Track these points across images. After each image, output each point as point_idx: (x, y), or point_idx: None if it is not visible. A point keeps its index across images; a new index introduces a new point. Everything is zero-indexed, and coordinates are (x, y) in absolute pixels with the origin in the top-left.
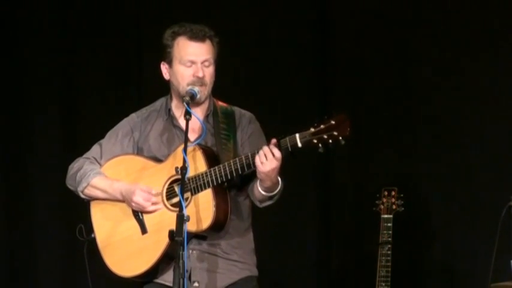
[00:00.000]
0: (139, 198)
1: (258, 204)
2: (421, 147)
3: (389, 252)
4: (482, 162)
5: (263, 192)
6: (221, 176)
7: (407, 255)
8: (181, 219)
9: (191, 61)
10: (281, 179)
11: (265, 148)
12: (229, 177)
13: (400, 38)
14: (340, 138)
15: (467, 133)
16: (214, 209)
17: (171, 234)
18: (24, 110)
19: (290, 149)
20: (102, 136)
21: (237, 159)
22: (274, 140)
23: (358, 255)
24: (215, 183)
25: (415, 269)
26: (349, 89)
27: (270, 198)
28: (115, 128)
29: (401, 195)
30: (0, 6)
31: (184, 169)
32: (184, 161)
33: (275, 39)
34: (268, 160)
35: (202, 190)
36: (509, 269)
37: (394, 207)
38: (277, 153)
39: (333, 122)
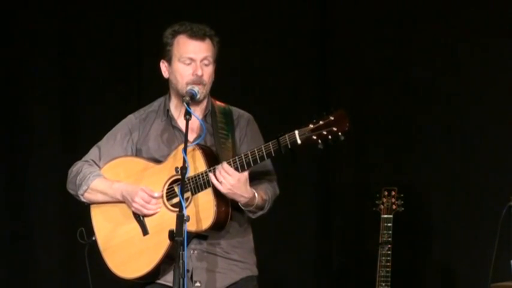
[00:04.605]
0: (140, 201)
1: (250, 215)
2: (421, 147)
3: (389, 252)
4: (482, 162)
5: (244, 208)
6: None
7: (407, 255)
8: (181, 220)
9: (190, 59)
10: (273, 186)
11: (219, 168)
12: None
13: (401, 39)
14: (340, 133)
15: (468, 133)
16: (215, 208)
17: (171, 234)
18: (24, 111)
19: (290, 146)
20: (102, 137)
21: (236, 157)
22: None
23: (358, 255)
24: None
25: (415, 269)
26: (349, 88)
27: (259, 208)
28: (113, 129)
29: (401, 195)
30: (0, 7)
31: (184, 169)
32: (184, 161)
33: (275, 38)
34: (224, 179)
35: (202, 190)
36: (509, 269)
37: (394, 207)
38: (228, 168)
39: (331, 118)
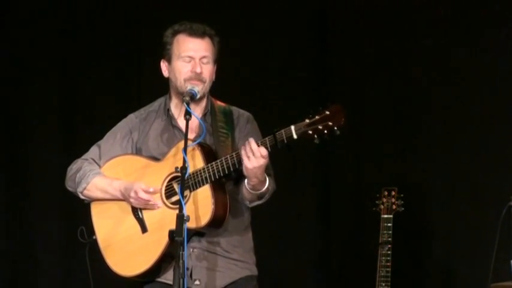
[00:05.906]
0: (137, 193)
1: (247, 203)
2: (421, 147)
3: (389, 252)
4: (482, 162)
5: (250, 191)
6: (218, 171)
7: (407, 255)
8: (181, 220)
9: (189, 57)
10: (273, 181)
11: (254, 145)
12: (226, 172)
13: (401, 37)
14: (335, 128)
15: (467, 133)
16: (213, 205)
17: (171, 234)
18: (24, 111)
19: (286, 141)
20: (102, 137)
21: (233, 153)
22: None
23: (358, 255)
24: (213, 179)
25: (415, 269)
26: (349, 88)
27: (259, 197)
28: (113, 129)
29: (401, 195)
30: (1, 7)
31: (184, 169)
32: (185, 161)
33: (274, 37)
34: (255, 157)
35: (200, 186)
36: (509, 269)
37: (394, 207)
38: (264, 151)
39: (327, 113)
